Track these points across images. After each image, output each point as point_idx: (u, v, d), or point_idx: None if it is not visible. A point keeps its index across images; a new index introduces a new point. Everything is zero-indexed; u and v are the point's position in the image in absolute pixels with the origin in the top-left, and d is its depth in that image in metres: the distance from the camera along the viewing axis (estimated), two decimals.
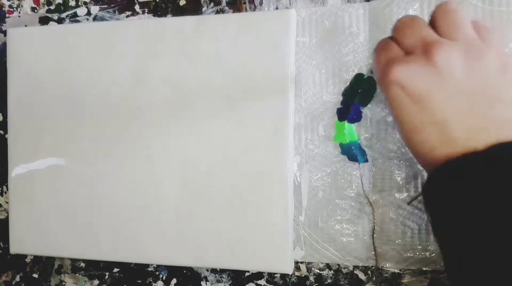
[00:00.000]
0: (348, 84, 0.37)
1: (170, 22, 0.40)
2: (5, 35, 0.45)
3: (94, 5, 0.44)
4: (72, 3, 0.45)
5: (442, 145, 0.25)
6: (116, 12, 0.44)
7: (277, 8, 0.39)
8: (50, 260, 0.46)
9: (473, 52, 0.25)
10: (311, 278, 0.39)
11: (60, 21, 0.45)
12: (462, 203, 0.24)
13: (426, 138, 0.26)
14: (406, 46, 0.27)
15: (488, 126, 0.25)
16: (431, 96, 0.25)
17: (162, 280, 0.43)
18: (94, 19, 0.44)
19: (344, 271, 0.38)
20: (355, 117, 0.37)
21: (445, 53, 0.25)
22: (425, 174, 0.36)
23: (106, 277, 0.44)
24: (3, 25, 0.47)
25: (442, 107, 0.25)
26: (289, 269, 0.37)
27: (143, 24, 0.41)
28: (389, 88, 0.26)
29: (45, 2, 0.45)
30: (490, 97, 0.25)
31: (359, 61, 0.37)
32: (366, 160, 0.37)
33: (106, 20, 0.44)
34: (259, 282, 0.40)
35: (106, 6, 0.44)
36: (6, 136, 0.46)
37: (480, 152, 0.24)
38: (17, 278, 0.47)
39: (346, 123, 0.37)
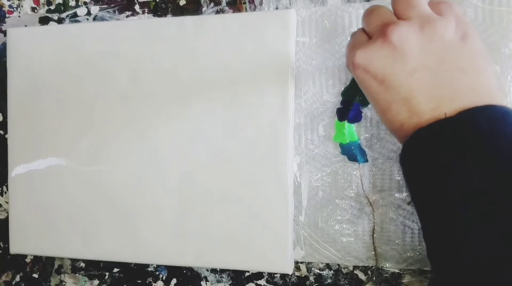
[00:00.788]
0: (348, 84, 0.37)
1: (170, 22, 0.40)
2: (5, 35, 0.45)
3: (94, 5, 0.44)
4: (72, 3, 0.45)
5: (411, 119, 0.26)
6: (116, 12, 0.44)
7: (277, 8, 0.39)
8: (50, 260, 0.46)
9: (428, 26, 0.26)
10: (311, 278, 0.39)
11: (60, 21, 0.45)
12: (436, 168, 0.24)
13: (395, 115, 0.27)
14: (368, 31, 0.28)
15: (452, 95, 0.25)
16: (393, 75, 0.26)
17: (162, 280, 0.43)
18: (94, 19, 0.44)
19: (344, 271, 0.38)
20: (355, 117, 0.37)
21: (399, 31, 0.26)
22: None
23: (106, 277, 0.44)
24: (3, 25, 0.47)
25: (405, 84, 0.26)
26: (289, 269, 0.37)
27: (143, 24, 0.41)
28: (355, 72, 0.28)
29: (45, 2, 0.45)
30: (452, 67, 0.26)
31: None
32: (366, 160, 0.37)
33: (106, 20, 0.44)
34: (259, 282, 0.40)
35: (106, 6, 0.44)
36: (6, 136, 0.46)
37: (448, 117, 0.25)
38: (17, 278, 0.47)
39: (346, 123, 0.37)
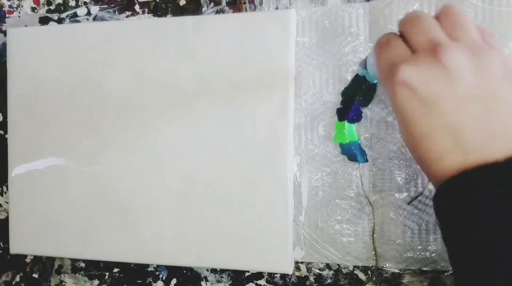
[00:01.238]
0: (348, 83, 0.37)
1: (170, 22, 0.40)
2: (5, 35, 0.45)
3: (94, 5, 0.44)
4: (72, 3, 0.45)
5: (454, 152, 0.24)
6: (116, 12, 0.44)
7: (277, 8, 0.39)
8: (50, 260, 0.46)
9: (481, 56, 0.24)
10: (311, 278, 0.39)
11: (60, 21, 0.45)
12: (480, 214, 0.23)
13: (435, 143, 0.25)
14: (413, 44, 0.26)
15: (503, 134, 0.24)
16: (442, 99, 0.24)
17: (162, 280, 0.43)
18: (94, 19, 0.44)
19: (344, 271, 0.38)
20: (355, 117, 0.37)
21: (453, 54, 0.24)
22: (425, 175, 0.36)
23: (106, 277, 0.44)
24: (3, 25, 0.47)
25: (454, 111, 0.24)
26: (289, 269, 0.37)
27: (143, 24, 0.41)
28: (396, 89, 0.25)
29: (45, 2, 0.45)
30: (503, 104, 0.24)
31: (359, 61, 0.37)
32: (366, 160, 0.37)
33: (106, 20, 0.44)
34: (259, 282, 0.40)
35: (106, 6, 0.44)
36: (6, 136, 0.46)
37: (501, 163, 0.23)
38: (17, 278, 0.47)
39: (346, 123, 0.37)
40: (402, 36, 0.27)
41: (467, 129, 0.24)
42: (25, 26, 0.46)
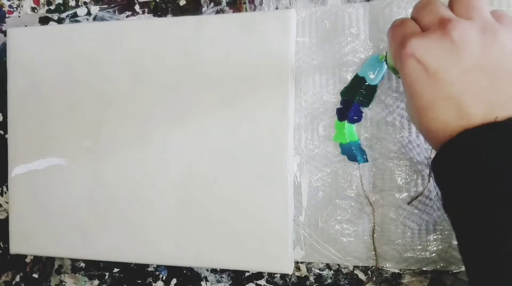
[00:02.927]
0: (348, 83, 0.37)
1: (170, 22, 0.40)
2: (5, 35, 0.45)
3: (94, 5, 0.44)
4: (72, 3, 0.45)
5: (458, 120, 0.25)
6: (116, 12, 0.44)
7: (277, 8, 0.39)
8: (50, 260, 0.46)
9: (490, 31, 0.25)
10: (311, 278, 0.39)
11: (60, 21, 0.45)
12: (481, 174, 0.23)
13: (440, 113, 0.25)
14: (423, 23, 0.27)
15: (506, 102, 0.24)
16: (448, 70, 0.25)
17: (162, 280, 0.43)
18: (94, 19, 0.44)
19: (344, 271, 0.38)
20: (355, 117, 0.37)
21: (462, 29, 0.25)
22: (426, 175, 0.36)
23: (106, 277, 0.44)
24: (3, 25, 0.47)
25: (458, 82, 0.25)
26: (289, 269, 0.37)
27: (143, 24, 0.41)
28: (405, 61, 0.26)
29: (45, 2, 0.45)
30: (509, 75, 0.25)
31: (359, 61, 0.37)
32: (366, 160, 0.37)
33: (106, 20, 0.44)
34: (259, 282, 0.40)
35: (106, 6, 0.44)
36: (6, 136, 0.46)
37: (501, 121, 0.23)
38: (17, 278, 0.47)
39: (346, 123, 0.37)
40: (413, 19, 0.28)
41: (471, 97, 0.25)
42: (25, 26, 0.46)
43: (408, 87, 0.27)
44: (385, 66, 0.36)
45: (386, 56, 0.34)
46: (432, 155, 0.35)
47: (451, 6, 0.27)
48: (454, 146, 0.25)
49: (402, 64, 0.26)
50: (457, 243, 0.26)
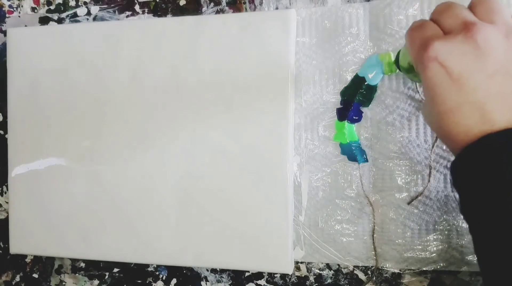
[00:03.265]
0: (348, 83, 0.37)
1: (170, 22, 0.40)
2: (5, 35, 0.45)
3: (94, 5, 0.44)
4: (72, 3, 0.45)
5: (481, 125, 0.24)
6: (116, 12, 0.44)
7: (277, 8, 0.39)
8: (50, 260, 0.46)
9: None
10: (311, 278, 0.39)
11: (60, 21, 0.45)
12: (503, 179, 0.23)
13: (463, 117, 0.25)
14: (445, 26, 0.26)
15: None
16: (472, 75, 0.25)
17: (162, 280, 0.43)
18: (94, 19, 0.44)
19: (344, 271, 0.38)
20: (355, 117, 0.37)
21: (486, 33, 0.24)
22: (425, 175, 0.36)
23: (106, 277, 0.44)
24: (3, 25, 0.47)
25: (482, 86, 0.24)
26: (289, 269, 0.37)
27: (143, 24, 0.41)
28: (427, 65, 0.25)
29: (45, 2, 0.45)
30: None
31: (359, 61, 0.37)
32: (366, 160, 0.37)
33: (106, 20, 0.44)
34: (259, 282, 0.40)
35: (106, 6, 0.44)
36: (6, 136, 0.46)
37: None
38: (17, 278, 0.47)
39: (346, 123, 0.37)
40: (434, 21, 0.27)
41: (495, 102, 0.24)
42: (25, 26, 0.46)
43: (430, 90, 0.26)
44: (383, 66, 0.36)
45: (397, 57, 0.33)
46: (433, 156, 0.35)
47: (472, 9, 0.27)
48: (476, 150, 0.24)
49: (424, 67, 0.26)
50: (473, 246, 0.26)
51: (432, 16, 0.28)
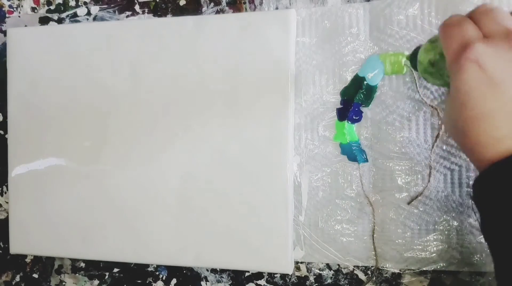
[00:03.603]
0: (347, 83, 0.37)
1: (170, 22, 0.40)
2: (5, 35, 0.45)
3: (94, 5, 0.44)
4: (72, 3, 0.45)
5: (511, 139, 0.23)
6: (116, 12, 0.44)
7: (277, 8, 0.39)
8: (50, 260, 0.46)
9: None
10: (311, 278, 0.39)
11: (60, 21, 0.45)
12: None
13: (495, 126, 0.24)
14: (486, 29, 0.25)
15: None
16: (511, 84, 0.24)
17: (162, 280, 0.43)
18: (94, 19, 0.44)
19: (344, 271, 0.38)
20: (355, 117, 0.37)
21: None
22: (425, 175, 0.36)
23: (106, 277, 0.44)
24: (3, 25, 0.47)
25: None
26: (289, 269, 0.37)
27: (143, 24, 0.41)
28: (465, 66, 0.24)
29: (45, 2, 0.45)
30: None
31: (359, 61, 0.37)
32: (366, 160, 0.37)
33: (106, 20, 0.44)
34: (259, 282, 0.40)
35: (106, 6, 0.44)
36: (6, 136, 0.46)
37: None
38: (17, 278, 0.47)
39: (346, 123, 0.37)
40: (474, 21, 0.26)
41: None
42: (25, 26, 0.46)
43: (462, 93, 0.25)
44: (383, 66, 0.36)
45: (414, 53, 0.32)
46: (433, 156, 0.35)
47: None
48: (507, 168, 0.23)
49: (461, 68, 0.25)
50: (493, 267, 0.25)
51: (472, 16, 0.26)
